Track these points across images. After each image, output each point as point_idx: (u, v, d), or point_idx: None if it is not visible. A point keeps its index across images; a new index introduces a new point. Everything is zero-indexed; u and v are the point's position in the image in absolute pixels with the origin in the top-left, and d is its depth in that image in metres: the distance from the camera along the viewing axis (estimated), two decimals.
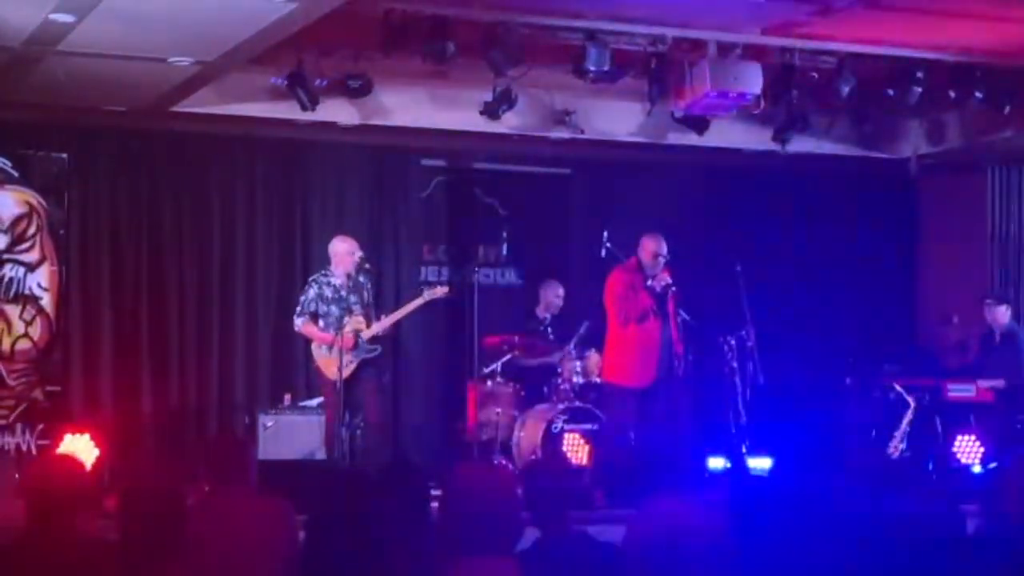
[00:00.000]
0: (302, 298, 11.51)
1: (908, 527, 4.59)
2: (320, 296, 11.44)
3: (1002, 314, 12.89)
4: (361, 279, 11.57)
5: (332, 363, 11.31)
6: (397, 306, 12.03)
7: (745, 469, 11.06)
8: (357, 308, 11.43)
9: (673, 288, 11.38)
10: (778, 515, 4.81)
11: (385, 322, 11.59)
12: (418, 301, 11.74)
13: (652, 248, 11.47)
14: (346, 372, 11.30)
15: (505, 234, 13.52)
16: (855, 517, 4.82)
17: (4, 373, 11.86)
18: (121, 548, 5.12)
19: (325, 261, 13.12)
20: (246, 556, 5.88)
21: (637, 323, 11.38)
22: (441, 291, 11.76)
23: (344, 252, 11.53)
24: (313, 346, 11.50)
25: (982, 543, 5.30)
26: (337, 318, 11.37)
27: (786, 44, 11.66)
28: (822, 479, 5.78)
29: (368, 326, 11.42)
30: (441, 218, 14.22)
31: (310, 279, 11.60)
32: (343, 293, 11.43)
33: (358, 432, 11.43)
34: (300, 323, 11.48)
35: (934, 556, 4.59)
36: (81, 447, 10.59)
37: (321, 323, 11.42)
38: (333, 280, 11.46)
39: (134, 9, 9.46)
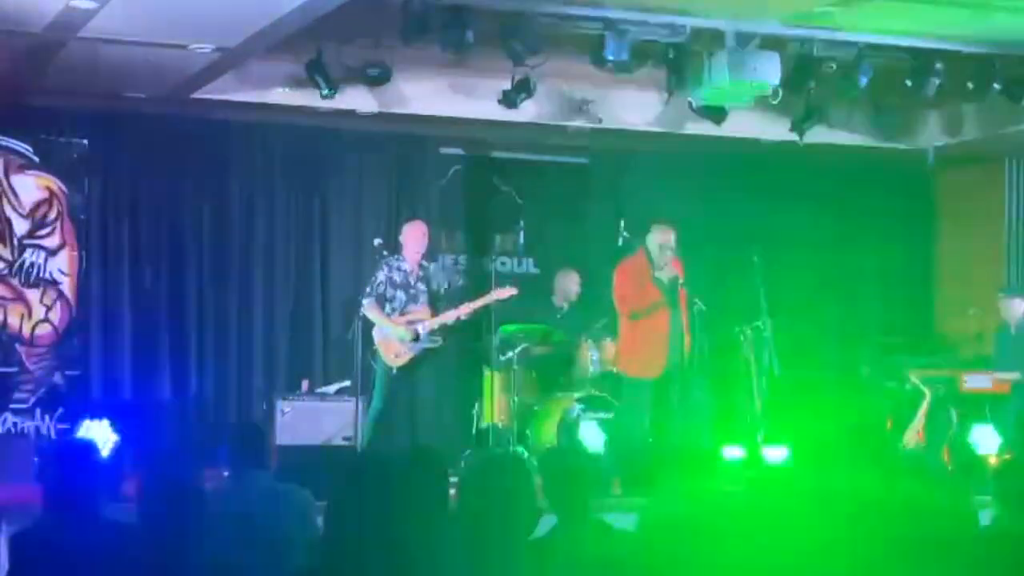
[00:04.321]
0: (372, 280, 11.51)
1: (921, 518, 4.62)
2: (389, 280, 11.46)
3: (1017, 306, 12.88)
4: (432, 269, 11.63)
5: (392, 348, 11.35)
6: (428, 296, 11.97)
7: (761, 458, 11.10)
8: (424, 297, 11.47)
9: (681, 282, 11.37)
10: (792, 505, 4.84)
11: (448, 315, 11.57)
12: (486, 298, 11.73)
13: (659, 239, 11.45)
14: (404, 359, 11.35)
15: (522, 223, 13.54)
16: (869, 507, 4.85)
17: (24, 357, 11.92)
18: (139, 533, 5.16)
19: (343, 248, 13.22)
20: (265, 541, 5.93)
21: (645, 316, 11.38)
22: (509, 291, 11.75)
23: (413, 236, 11.55)
24: (375, 329, 11.51)
25: (997, 534, 5.32)
26: (402, 303, 11.41)
27: (804, 34, 11.66)
28: (837, 469, 5.81)
29: (433, 316, 11.45)
30: (459, 206, 14.24)
31: (382, 262, 11.59)
32: (412, 280, 11.46)
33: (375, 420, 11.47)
34: (367, 304, 11.47)
35: (948, 547, 4.61)
36: (100, 432, 10.64)
37: (387, 307, 11.43)
38: (404, 266, 11.49)
39: None
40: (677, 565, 4.77)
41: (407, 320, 11.40)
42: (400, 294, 11.45)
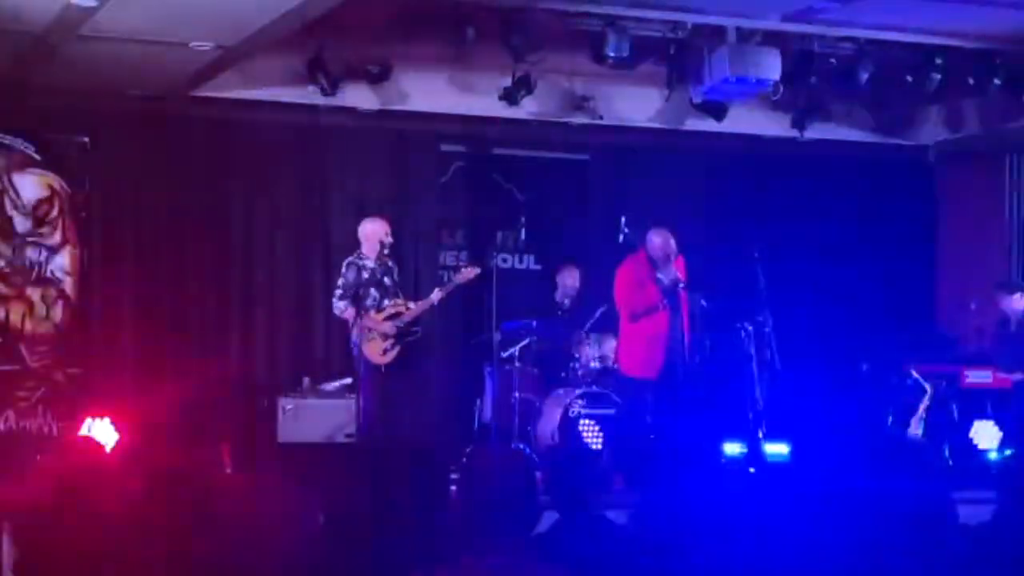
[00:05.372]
0: (341, 281, 11.49)
1: (904, 509, 4.63)
2: (359, 279, 11.46)
3: (1016, 302, 12.88)
4: (390, 263, 11.63)
5: (376, 346, 11.36)
6: (417, 290, 12.03)
7: (762, 454, 11.11)
8: (393, 290, 11.49)
9: (683, 284, 11.37)
10: (791, 500, 4.85)
11: (423, 304, 11.58)
12: (453, 282, 11.76)
13: (658, 243, 11.46)
14: (390, 356, 11.35)
15: (523, 219, 13.53)
16: (867, 503, 4.86)
17: (26, 355, 11.93)
18: (142, 530, 5.17)
19: (344, 245, 13.17)
20: (267, 538, 5.93)
21: (645, 317, 11.39)
22: (473, 271, 11.74)
23: (376, 232, 11.55)
24: (354, 330, 11.49)
25: (997, 529, 5.33)
26: (376, 300, 11.41)
27: (805, 30, 11.67)
28: (837, 465, 5.82)
29: (407, 309, 11.46)
30: (460, 203, 14.25)
31: (347, 262, 11.58)
32: (379, 275, 11.48)
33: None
34: (342, 306, 11.46)
35: (939, 539, 4.62)
36: (102, 430, 10.64)
37: (363, 306, 11.41)
38: (368, 263, 11.49)
39: None
40: (676, 562, 4.79)
41: (385, 316, 11.39)
42: (373, 291, 11.45)
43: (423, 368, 11.96)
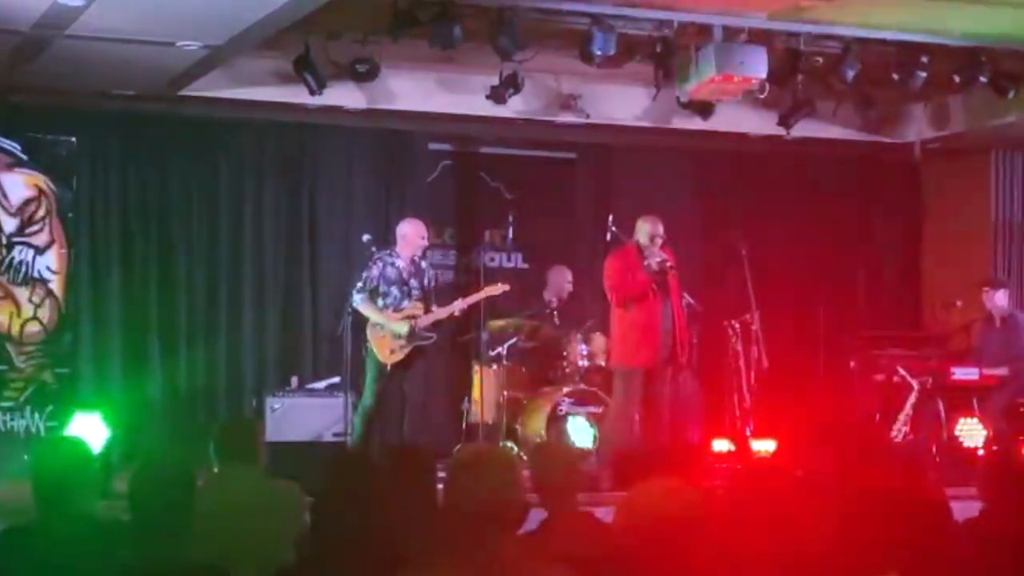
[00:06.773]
0: (365, 275, 11.44)
1: (891, 503, 4.65)
2: (383, 276, 11.44)
3: (1000, 299, 12.92)
4: (423, 265, 11.60)
5: (386, 344, 11.35)
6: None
7: (749, 452, 11.14)
8: (417, 293, 11.46)
9: (670, 265, 11.32)
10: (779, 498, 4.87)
11: (443, 311, 11.56)
12: (479, 294, 11.75)
13: (648, 230, 11.40)
14: (398, 357, 11.34)
15: (511, 218, 13.56)
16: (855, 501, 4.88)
17: (13, 355, 11.90)
18: (130, 529, 5.17)
19: (332, 244, 13.19)
20: (254, 537, 5.95)
21: (636, 302, 11.34)
22: (501, 288, 11.75)
23: (413, 234, 11.53)
24: (368, 326, 11.50)
25: (983, 525, 5.35)
26: (396, 299, 11.40)
27: (792, 29, 11.68)
28: (824, 463, 5.84)
29: (426, 313, 11.44)
30: (447, 202, 14.26)
31: (375, 257, 11.54)
32: (405, 276, 11.45)
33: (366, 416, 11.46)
34: (360, 299, 11.43)
35: (933, 540, 4.64)
36: (90, 429, 10.63)
37: (380, 303, 11.40)
38: (397, 262, 11.45)
39: None
40: (666, 560, 4.79)
41: (402, 317, 11.38)
42: (394, 290, 11.43)
43: (423, 371, 11.95)
